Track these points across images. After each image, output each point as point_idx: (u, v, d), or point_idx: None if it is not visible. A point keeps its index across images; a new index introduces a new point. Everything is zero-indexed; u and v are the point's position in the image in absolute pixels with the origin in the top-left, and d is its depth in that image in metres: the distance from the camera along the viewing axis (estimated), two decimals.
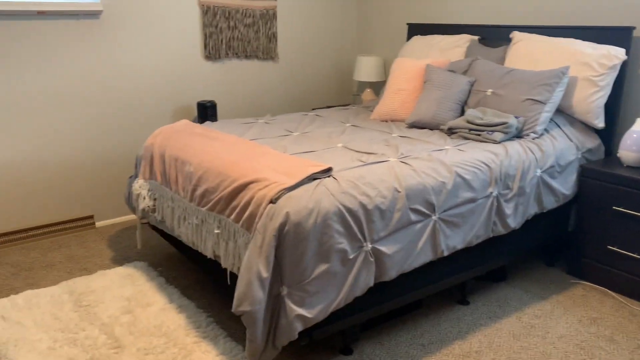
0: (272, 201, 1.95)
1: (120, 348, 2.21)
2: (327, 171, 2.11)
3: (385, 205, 2.06)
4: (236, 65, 3.97)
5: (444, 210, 2.26)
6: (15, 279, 2.83)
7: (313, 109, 4.26)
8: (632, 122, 2.91)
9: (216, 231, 2.19)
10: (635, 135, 2.66)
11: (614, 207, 2.66)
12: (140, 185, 2.80)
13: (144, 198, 2.76)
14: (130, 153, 3.60)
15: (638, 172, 2.62)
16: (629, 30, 2.81)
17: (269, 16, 4.03)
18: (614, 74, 2.78)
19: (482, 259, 2.56)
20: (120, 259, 3.07)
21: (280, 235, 1.87)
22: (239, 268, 2.08)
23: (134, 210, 2.93)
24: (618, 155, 2.76)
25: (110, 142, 3.51)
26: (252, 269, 1.87)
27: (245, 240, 2.03)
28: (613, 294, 2.71)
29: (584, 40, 2.96)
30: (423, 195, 2.18)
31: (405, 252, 2.15)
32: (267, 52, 4.08)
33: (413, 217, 2.15)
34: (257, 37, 4.00)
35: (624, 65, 2.84)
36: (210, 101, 3.64)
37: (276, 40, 4.11)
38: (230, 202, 2.13)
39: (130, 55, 3.48)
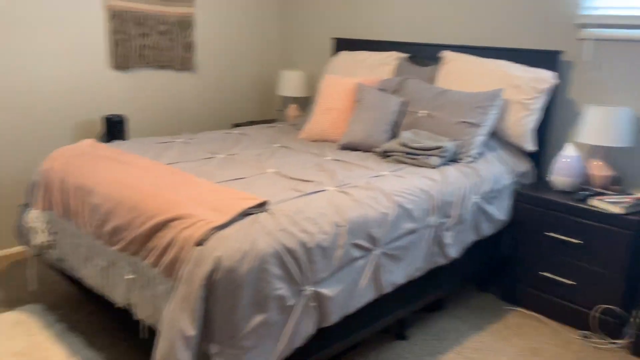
0: (200, 243, 1.67)
1: None
2: (263, 205, 1.86)
3: (328, 242, 1.85)
4: (149, 75, 3.61)
5: (386, 243, 2.09)
6: None
7: (236, 125, 3.98)
8: (560, 146, 2.93)
9: (129, 277, 1.87)
10: (564, 160, 2.66)
11: (545, 233, 2.64)
12: (35, 217, 2.39)
13: (41, 232, 2.35)
14: (21, 176, 3.12)
15: (568, 197, 2.61)
16: (556, 54, 2.82)
17: (186, 24, 3.70)
18: (545, 97, 2.78)
19: (422, 291, 2.43)
20: (9, 302, 2.61)
21: (210, 284, 1.60)
22: (156, 320, 1.77)
23: (25, 243, 2.50)
24: (548, 179, 2.75)
25: None
26: (175, 326, 1.58)
27: (165, 288, 1.73)
28: (547, 320, 2.69)
29: (513, 62, 2.94)
30: (365, 228, 1.99)
31: (348, 293, 1.95)
32: (184, 63, 3.75)
33: (355, 252, 1.96)
34: (172, 45, 3.66)
35: (553, 89, 2.85)
36: (118, 115, 3.26)
37: (194, 50, 3.79)
38: (146, 243, 1.82)
39: (24, 62, 3.01)
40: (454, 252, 2.43)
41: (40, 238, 2.35)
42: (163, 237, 1.77)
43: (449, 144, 2.59)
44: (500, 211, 2.67)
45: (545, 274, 2.66)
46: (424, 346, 2.42)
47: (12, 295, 2.67)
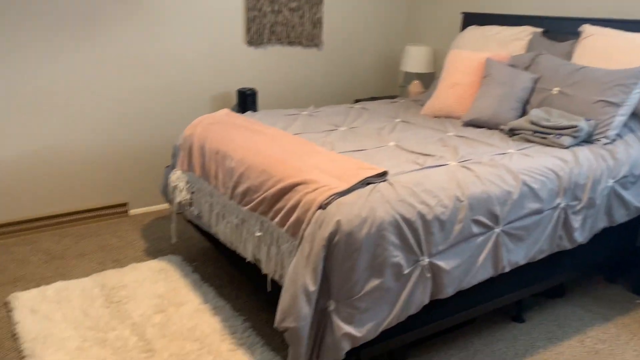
0: (322, 207, 1.77)
1: (152, 352, 2.08)
2: (383, 175, 1.92)
3: (446, 215, 1.86)
4: (279, 51, 3.79)
5: (508, 222, 2.04)
6: (47, 268, 2.74)
7: (357, 100, 4.05)
8: None
9: (257, 234, 2.03)
10: None
11: None
12: (177, 177, 2.66)
13: (181, 191, 2.62)
14: (167, 141, 3.47)
15: None
16: None
17: (315, 0, 3.82)
18: None
19: (543, 275, 2.34)
20: (153, 252, 2.95)
21: (330, 245, 1.70)
22: (281, 275, 1.92)
23: (169, 201, 2.80)
24: None
25: (147, 129, 3.38)
26: (298, 281, 1.70)
27: (289, 247, 1.86)
28: None
29: None
30: (487, 205, 1.97)
31: (465, 268, 1.95)
32: (311, 39, 3.88)
33: (475, 229, 1.95)
34: (301, 22, 3.80)
35: None
36: (250, 89, 3.48)
37: (321, 26, 3.90)
38: (274, 204, 1.97)
39: (169, 39, 3.33)
40: (581, 237, 2.31)
41: (181, 196, 2.61)
42: (289, 200, 1.90)
43: (583, 124, 2.44)
44: (638, 198, 2.47)
45: None
46: (542, 331, 2.34)
47: (156, 246, 3.01)
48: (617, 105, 2.49)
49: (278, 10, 3.68)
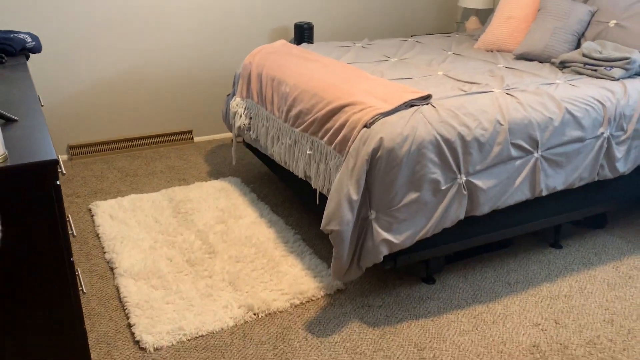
0: (367, 125, 1.92)
1: (214, 253, 2.35)
2: (426, 98, 2.03)
3: (485, 138, 1.97)
4: None
5: (548, 148, 2.13)
6: (122, 183, 3.06)
7: (412, 36, 4.08)
8: None
9: (308, 152, 2.22)
10: None
11: None
12: (237, 104, 2.87)
13: (241, 116, 2.83)
14: (229, 71, 3.68)
15: None
16: None
17: None
18: None
19: (582, 202, 2.42)
20: (215, 173, 3.21)
21: (373, 160, 1.86)
22: (328, 190, 2.11)
23: (230, 127, 3.03)
24: None
25: (209, 60, 3.59)
26: (342, 190, 1.89)
27: (336, 162, 2.04)
28: None
29: None
30: (527, 130, 2.06)
31: (501, 188, 2.07)
32: None
33: (514, 152, 2.05)
34: None
35: None
36: (307, 23, 3.59)
37: None
38: (324, 124, 2.13)
39: None
40: (624, 167, 2.35)
41: (240, 121, 2.83)
42: (337, 120, 2.06)
43: (636, 56, 2.42)
44: None
45: None
46: (578, 257, 2.44)
47: (218, 169, 3.27)
48: None
49: None
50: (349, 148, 1.95)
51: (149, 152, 3.51)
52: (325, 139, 2.12)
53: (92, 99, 3.33)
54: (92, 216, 2.69)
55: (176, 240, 2.45)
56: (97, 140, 3.42)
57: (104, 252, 2.39)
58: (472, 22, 4.00)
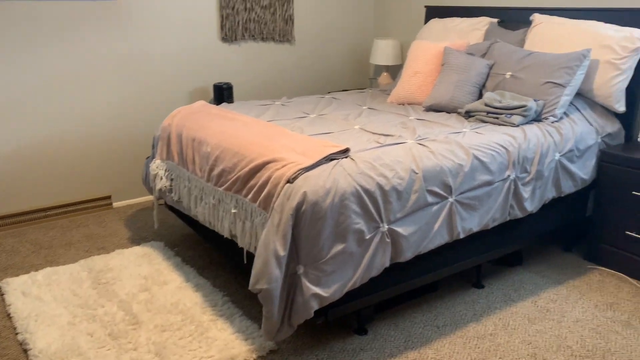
0: (290, 181, 1.95)
1: (138, 324, 2.24)
2: (345, 152, 2.11)
3: (403, 186, 2.06)
4: (252, 47, 3.97)
5: (461, 193, 2.25)
6: (36, 257, 2.88)
7: (329, 92, 4.24)
8: None
9: (233, 211, 2.21)
10: None
11: (633, 192, 2.63)
12: (157, 166, 2.82)
13: (161, 178, 2.78)
14: (147, 134, 3.63)
15: None
16: None
17: None
18: (637, 57, 2.73)
19: (499, 242, 2.55)
20: (137, 239, 3.10)
21: (298, 214, 1.88)
22: (255, 247, 2.09)
23: (151, 190, 2.96)
24: (639, 139, 2.72)
25: (128, 124, 3.53)
26: (269, 247, 1.88)
27: (262, 219, 2.04)
28: (630, 279, 2.69)
29: (606, 22, 2.90)
30: (440, 177, 2.17)
31: (422, 234, 2.15)
32: (284, 35, 4.06)
33: (430, 198, 2.15)
34: (273, 19, 3.98)
35: None
36: (226, 83, 3.65)
37: (293, 23, 4.09)
38: (247, 182, 2.14)
39: (147, 37, 3.49)
40: (531, 206, 2.52)
41: (161, 183, 2.77)
42: (261, 177, 2.08)
43: (532, 103, 2.65)
44: (583, 170, 2.70)
45: (630, 233, 2.66)
46: (500, 294, 2.55)
47: (140, 234, 3.16)
48: (562, 86, 2.71)
49: (250, 8, 3.85)
50: (274, 204, 1.97)
51: (64, 222, 3.34)
52: (250, 196, 2.12)
53: (1, 168, 3.16)
54: (2, 295, 2.49)
55: (97, 314, 2.31)
56: (7, 212, 3.21)
57: (16, 333, 2.21)
58: (384, 78, 4.23)
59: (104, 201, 3.54)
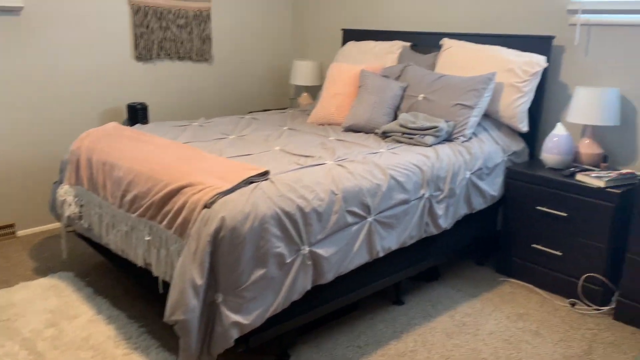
0: (207, 206, 1.90)
1: None
2: (264, 174, 2.08)
3: (323, 207, 2.06)
4: (168, 66, 3.87)
5: (379, 212, 2.29)
6: None
7: (250, 112, 4.21)
8: (553, 126, 3.08)
9: (147, 238, 2.11)
10: (555, 139, 2.81)
11: (537, 207, 2.79)
12: (65, 191, 2.66)
13: (70, 205, 2.62)
14: (54, 157, 3.41)
15: (558, 174, 2.77)
16: (549, 39, 2.97)
17: (203, 17, 3.95)
18: (536, 80, 2.93)
19: (416, 259, 2.62)
20: (44, 270, 2.89)
21: (216, 240, 1.83)
22: (171, 276, 2.01)
23: (58, 217, 2.78)
24: (541, 157, 2.91)
25: (32, 146, 3.31)
26: (185, 276, 1.81)
27: (177, 247, 1.97)
28: (538, 290, 2.85)
29: (508, 48, 3.10)
30: (359, 197, 2.20)
31: (342, 254, 2.16)
32: (201, 54, 4.00)
33: (349, 219, 2.17)
34: (190, 38, 3.91)
35: (545, 72, 3.00)
36: (141, 103, 3.52)
37: (210, 42, 4.03)
38: (162, 208, 2.06)
39: (55, 55, 3.30)
40: (445, 223, 2.62)
41: (70, 210, 2.61)
42: (176, 202, 2.00)
43: (443, 124, 2.77)
44: (492, 187, 2.84)
45: (536, 246, 2.83)
46: (418, 310, 2.61)
47: (47, 265, 2.95)
48: (471, 107, 2.86)
49: (166, 27, 3.76)
50: (190, 230, 1.90)
51: None
52: (165, 223, 2.04)
53: None
54: None
55: None
56: None
57: None
58: (304, 98, 4.27)
59: (6, 230, 3.28)
